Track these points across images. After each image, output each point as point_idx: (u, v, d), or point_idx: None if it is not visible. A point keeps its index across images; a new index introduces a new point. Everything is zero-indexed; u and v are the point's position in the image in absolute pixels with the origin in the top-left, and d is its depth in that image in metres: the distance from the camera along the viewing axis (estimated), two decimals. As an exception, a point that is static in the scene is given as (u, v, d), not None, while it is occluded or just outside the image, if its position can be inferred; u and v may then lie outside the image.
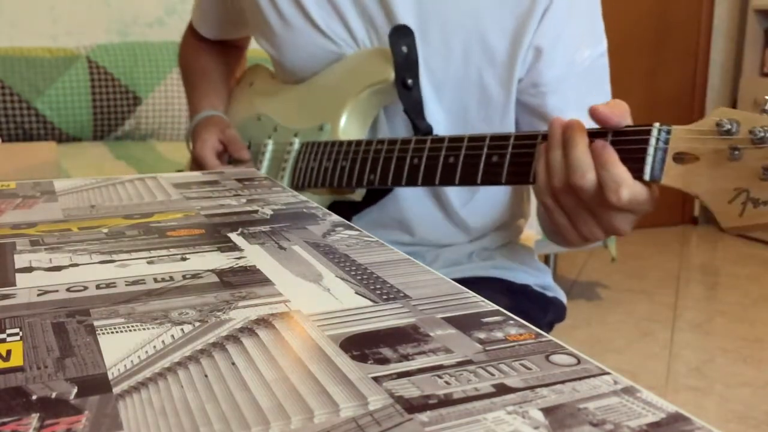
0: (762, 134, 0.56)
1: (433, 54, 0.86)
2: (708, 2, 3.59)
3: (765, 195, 0.56)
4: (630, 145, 0.62)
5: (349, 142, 0.85)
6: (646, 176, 0.61)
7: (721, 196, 0.58)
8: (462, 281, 0.50)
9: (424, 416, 0.30)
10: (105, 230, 0.59)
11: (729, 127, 0.57)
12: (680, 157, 0.60)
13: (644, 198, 0.63)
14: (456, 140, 0.75)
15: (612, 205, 0.62)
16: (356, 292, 0.44)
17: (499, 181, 0.71)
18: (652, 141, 0.61)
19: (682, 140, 0.60)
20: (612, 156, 0.62)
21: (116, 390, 0.32)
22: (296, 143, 0.94)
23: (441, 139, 0.77)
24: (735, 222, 0.57)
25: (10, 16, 2.56)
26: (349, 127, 0.89)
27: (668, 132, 0.61)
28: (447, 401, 0.31)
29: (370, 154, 0.82)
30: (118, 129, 2.55)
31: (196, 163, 1.01)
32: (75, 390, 0.32)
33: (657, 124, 0.61)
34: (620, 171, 0.61)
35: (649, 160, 0.61)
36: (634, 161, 0.62)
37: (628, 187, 0.61)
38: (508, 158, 0.70)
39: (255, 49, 1.22)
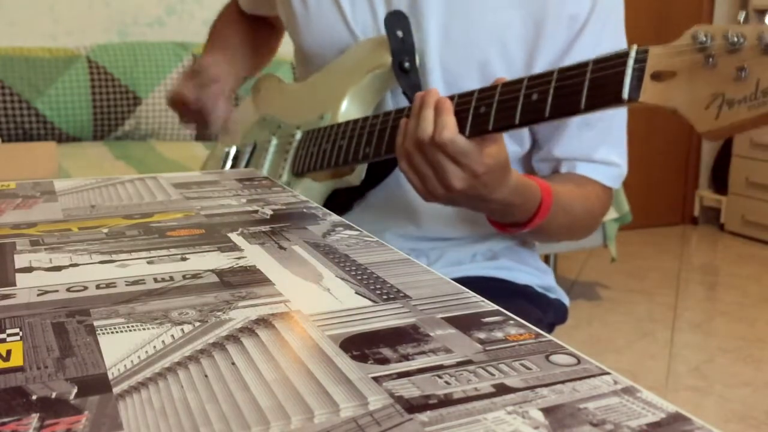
0: (735, 39, 0.57)
1: (452, 52, 0.87)
2: (708, 2, 3.59)
3: (740, 94, 0.57)
4: (609, 70, 0.64)
5: (348, 122, 0.87)
6: (625, 95, 0.62)
7: (697, 104, 0.59)
8: (463, 280, 0.51)
9: (424, 416, 0.30)
10: (105, 230, 0.59)
11: (704, 39, 0.59)
12: (658, 75, 0.62)
13: (471, 151, 0.71)
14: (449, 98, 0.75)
15: (438, 144, 0.71)
16: (356, 292, 0.44)
17: (479, 132, 0.72)
18: (630, 62, 0.63)
19: (660, 58, 0.61)
20: (447, 106, 0.71)
21: (116, 390, 0.32)
22: (298, 134, 0.95)
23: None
24: (711, 125, 0.58)
25: (10, 15, 2.56)
26: (349, 115, 0.90)
27: (646, 51, 0.62)
28: (447, 401, 0.31)
29: (366, 129, 0.84)
30: (118, 129, 2.54)
31: (171, 99, 1.02)
32: (75, 390, 0.32)
33: (635, 46, 0.63)
34: (449, 119, 0.71)
35: (627, 81, 0.62)
36: (612, 84, 0.63)
37: (449, 131, 0.71)
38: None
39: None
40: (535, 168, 0.92)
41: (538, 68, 0.86)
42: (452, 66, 0.87)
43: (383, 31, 0.89)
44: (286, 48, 1.15)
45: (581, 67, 0.66)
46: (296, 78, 1.06)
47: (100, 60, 2.49)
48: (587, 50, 0.84)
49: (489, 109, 0.71)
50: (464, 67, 0.87)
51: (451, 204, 0.77)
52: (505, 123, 0.70)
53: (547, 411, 0.30)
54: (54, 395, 0.32)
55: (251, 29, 1.16)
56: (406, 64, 0.86)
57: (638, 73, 0.62)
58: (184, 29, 2.72)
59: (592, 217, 0.90)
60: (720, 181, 3.52)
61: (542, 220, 0.80)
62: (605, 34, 0.87)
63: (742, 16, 0.60)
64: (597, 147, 0.88)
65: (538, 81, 0.69)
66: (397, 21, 0.85)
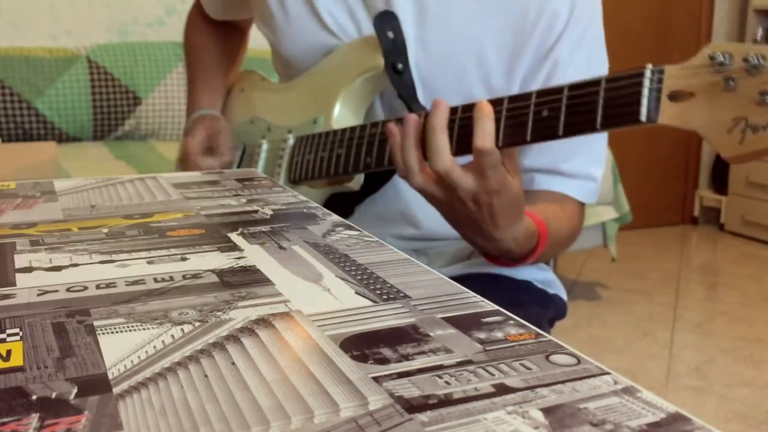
0: (755, 61, 0.55)
1: (429, 63, 0.86)
2: (708, 2, 3.59)
3: (763, 120, 0.55)
4: (624, 90, 0.62)
5: (344, 130, 0.85)
6: (643, 118, 0.61)
7: (719, 128, 0.58)
8: (463, 277, 0.51)
9: (424, 416, 0.30)
10: (105, 230, 0.59)
11: (722, 59, 0.57)
12: (675, 95, 0.60)
13: (459, 178, 0.68)
14: (451, 111, 0.74)
15: (434, 172, 0.69)
16: (356, 292, 0.45)
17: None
18: (646, 82, 0.61)
19: (676, 78, 0.60)
20: (439, 122, 0.70)
21: (116, 390, 0.32)
22: (291, 139, 0.94)
23: None
24: (736, 150, 0.57)
25: (10, 15, 2.56)
26: (342, 118, 0.89)
27: (661, 71, 0.61)
28: (447, 401, 0.31)
29: (365, 139, 0.82)
30: (118, 129, 2.54)
31: (182, 158, 1.04)
32: (75, 390, 0.32)
33: (650, 65, 0.62)
34: (441, 142, 0.69)
35: (644, 101, 0.61)
36: (629, 105, 0.62)
37: (441, 157, 0.69)
38: (503, 121, 0.70)
39: (252, 49, 1.22)
40: None
41: (518, 76, 0.85)
42: (430, 76, 0.86)
43: (365, 34, 0.88)
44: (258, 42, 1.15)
45: (593, 84, 0.64)
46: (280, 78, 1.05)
47: (100, 60, 2.49)
48: (565, 53, 0.84)
49: (498, 125, 0.69)
50: (441, 77, 0.86)
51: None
52: (516, 139, 0.69)
53: (547, 411, 0.30)
54: (54, 395, 0.32)
55: (223, 40, 1.17)
56: (399, 66, 0.84)
57: (655, 94, 0.61)
58: (183, 29, 2.72)
59: (574, 236, 0.90)
60: (720, 181, 3.52)
61: (533, 258, 0.79)
62: (585, 41, 0.85)
63: (759, 34, 0.59)
64: (573, 157, 0.86)
65: (548, 97, 0.67)
66: (387, 21, 0.84)
